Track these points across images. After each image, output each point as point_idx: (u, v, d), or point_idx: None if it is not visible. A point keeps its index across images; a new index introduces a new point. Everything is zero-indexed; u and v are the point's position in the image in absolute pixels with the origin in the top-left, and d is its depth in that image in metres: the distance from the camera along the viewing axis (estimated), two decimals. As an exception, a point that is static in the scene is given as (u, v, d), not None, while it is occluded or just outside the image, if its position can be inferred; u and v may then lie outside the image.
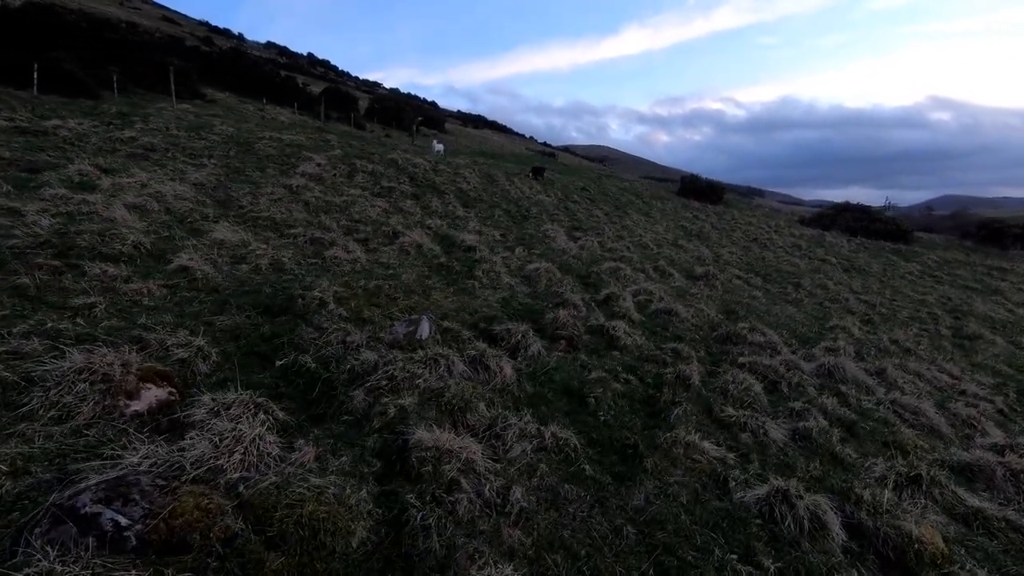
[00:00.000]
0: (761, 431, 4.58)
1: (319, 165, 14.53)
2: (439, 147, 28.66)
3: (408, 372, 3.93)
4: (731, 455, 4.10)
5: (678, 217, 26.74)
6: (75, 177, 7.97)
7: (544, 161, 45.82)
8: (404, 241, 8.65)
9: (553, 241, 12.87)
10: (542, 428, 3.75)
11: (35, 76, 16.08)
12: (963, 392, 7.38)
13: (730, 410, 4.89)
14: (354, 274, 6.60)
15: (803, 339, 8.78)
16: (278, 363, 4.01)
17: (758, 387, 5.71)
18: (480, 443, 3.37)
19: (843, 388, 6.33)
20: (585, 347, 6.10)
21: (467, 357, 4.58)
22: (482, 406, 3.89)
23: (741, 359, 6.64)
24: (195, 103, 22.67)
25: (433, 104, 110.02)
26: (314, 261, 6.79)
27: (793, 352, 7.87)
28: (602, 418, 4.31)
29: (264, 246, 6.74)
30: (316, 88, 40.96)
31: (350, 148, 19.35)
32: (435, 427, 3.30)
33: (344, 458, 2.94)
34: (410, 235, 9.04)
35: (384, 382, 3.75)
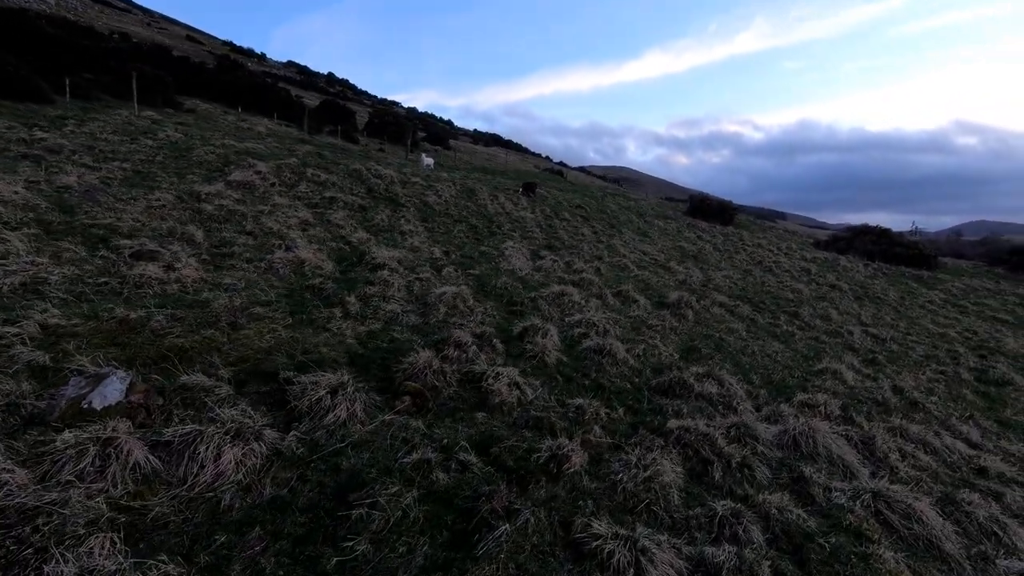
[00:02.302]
0: (632, 568, 2.83)
1: (258, 173, 13.16)
2: (428, 161, 27.62)
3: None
4: (550, 631, 2.38)
5: (679, 237, 24.99)
6: None
7: (551, 179, 44.47)
8: (284, 257, 7.10)
9: (507, 261, 11.24)
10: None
11: (-27, 78, 15.12)
12: (983, 471, 5.47)
13: (601, 525, 3.13)
14: (143, 299, 5.05)
15: (778, 388, 6.94)
16: None
17: (673, 473, 3.94)
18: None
19: (808, 470, 4.51)
20: (441, 406, 4.41)
21: (171, 437, 2.95)
22: (99, 542, 2.25)
23: (671, 423, 4.86)
24: (165, 111, 21.71)
25: (449, 123, 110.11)
26: (104, 281, 5.27)
27: (756, 408, 6.06)
28: (345, 554, 2.61)
29: (41, 260, 5.24)
30: (314, 102, 40.26)
31: (318, 158, 18.04)
32: None
33: None
34: (299, 251, 7.49)
35: None
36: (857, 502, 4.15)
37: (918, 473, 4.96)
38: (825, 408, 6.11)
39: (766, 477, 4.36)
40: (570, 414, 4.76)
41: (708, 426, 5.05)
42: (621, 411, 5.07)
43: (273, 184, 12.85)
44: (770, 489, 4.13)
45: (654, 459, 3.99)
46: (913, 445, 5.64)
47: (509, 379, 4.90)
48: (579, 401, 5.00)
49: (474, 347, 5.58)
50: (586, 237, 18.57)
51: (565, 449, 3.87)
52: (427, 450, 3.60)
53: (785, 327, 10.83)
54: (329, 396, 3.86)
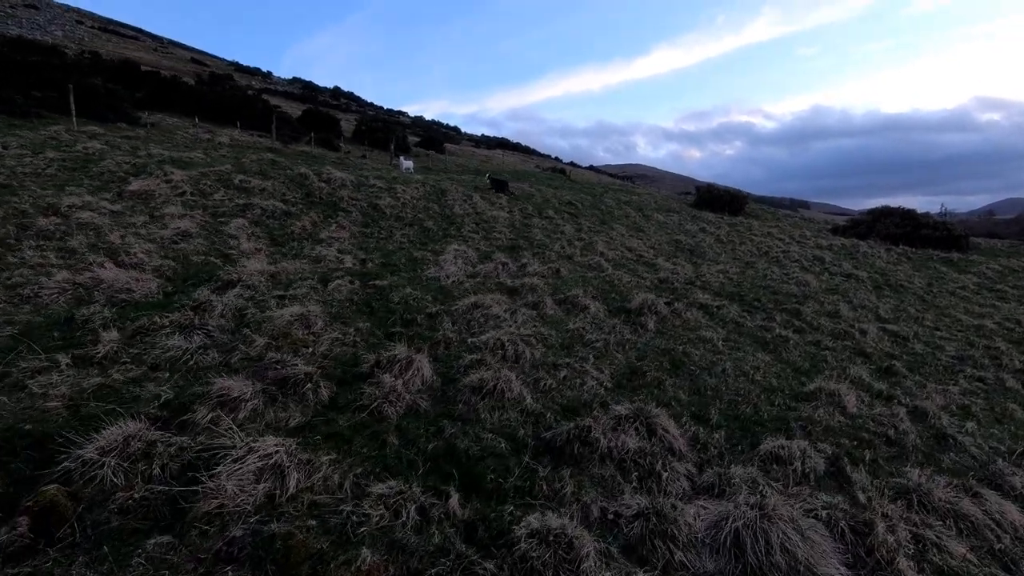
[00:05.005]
0: None
1: (168, 181, 11.59)
2: (408, 164, 26.32)
3: None
4: None
5: (678, 230, 22.92)
6: None
7: (551, 177, 42.77)
8: (67, 280, 5.40)
9: (438, 267, 9.40)
10: None
11: None
12: (1055, 567, 3.43)
13: None
14: None
15: (745, 426, 4.95)
16: None
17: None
18: None
19: (744, 611, 2.57)
20: (98, 527, 2.59)
21: None
22: None
23: (525, 523, 2.96)
24: (117, 126, 20.46)
25: (455, 129, 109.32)
26: None
27: (699, 467, 4.10)
28: None
29: None
30: (298, 112, 39.06)
31: (269, 165, 16.43)
32: None
33: None
34: (105, 270, 5.79)
35: None
36: None
37: (945, 595, 2.96)
38: (802, 464, 4.12)
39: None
40: (353, 519, 2.88)
41: (602, 514, 3.14)
42: (455, 499, 3.17)
43: (182, 193, 11.24)
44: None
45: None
46: (940, 524, 3.61)
47: (263, 460, 3.04)
48: (388, 487, 3.12)
49: (255, 403, 3.75)
50: (565, 235, 16.62)
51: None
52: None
53: (779, 331, 8.75)
54: None
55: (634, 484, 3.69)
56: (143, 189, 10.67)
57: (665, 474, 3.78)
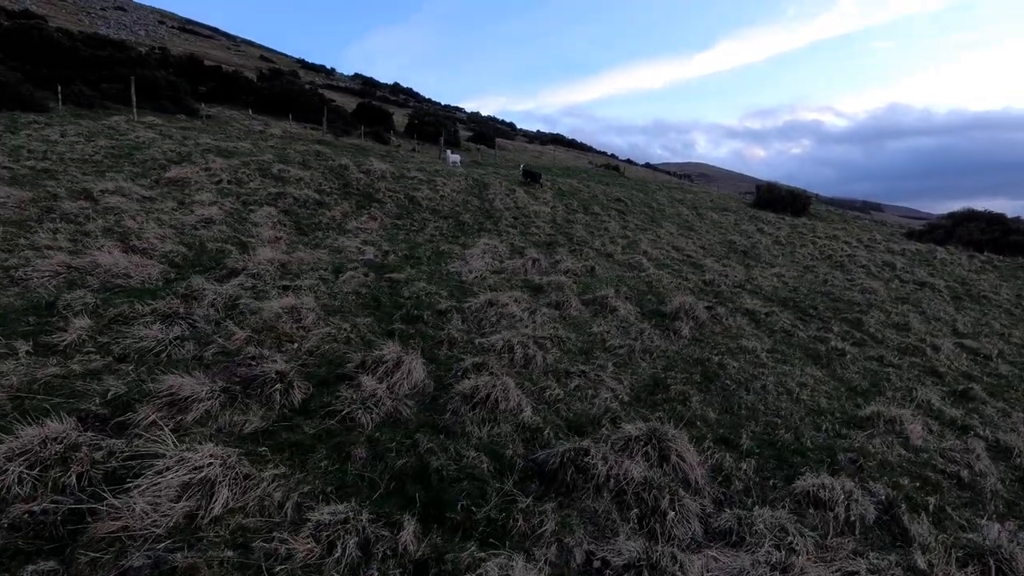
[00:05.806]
0: None
1: (207, 170, 11.69)
2: (455, 158, 26.15)
3: None
4: None
5: (733, 230, 21.70)
6: None
7: (604, 174, 41.83)
8: (62, 262, 5.24)
9: (463, 261, 8.96)
10: None
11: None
12: None
13: None
14: None
15: (781, 455, 4.22)
16: None
17: None
18: None
19: None
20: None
21: None
22: None
23: (480, 574, 2.44)
24: (176, 117, 21.17)
25: (511, 125, 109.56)
26: None
27: (717, 503, 3.45)
28: None
29: None
30: (352, 106, 39.66)
31: (314, 156, 16.51)
32: None
33: None
34: (104, 255, 5.63)
35: None
36: None
37: None
38: (847, 510, 3.39)
39: None
40: (281, 551, 2.44)
41: (586, 561, 2.59)
42: (410, 531, 2.68)
43: (219, 181, 11.29)
44: None
45: None
46: (1022, 602, 2.84)
47: (192, 473, 2.65)
48: (331, 513, 2.67)
49: (210, 404, 3.38)
50: (609, 232, 15.88)
51: None
52: None
53: (835, 343, 7.80)
54: None
55: (633, 524, 3.09)
56: (180, 176, 10.76)
57: (672, 513, 3.16)
